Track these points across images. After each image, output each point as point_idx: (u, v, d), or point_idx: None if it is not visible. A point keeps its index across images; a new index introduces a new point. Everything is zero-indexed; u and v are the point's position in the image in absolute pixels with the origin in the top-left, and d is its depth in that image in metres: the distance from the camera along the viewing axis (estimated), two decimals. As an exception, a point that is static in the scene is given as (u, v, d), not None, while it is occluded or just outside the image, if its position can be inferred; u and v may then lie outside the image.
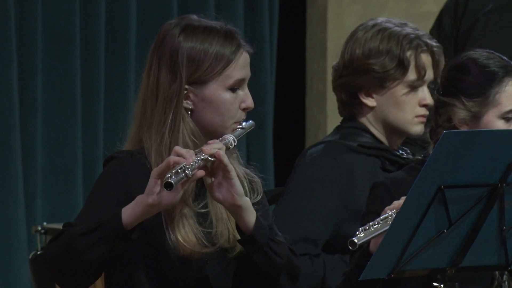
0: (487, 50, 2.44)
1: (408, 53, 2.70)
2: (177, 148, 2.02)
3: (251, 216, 2.06)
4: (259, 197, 2.18)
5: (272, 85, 5.27)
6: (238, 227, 2.08)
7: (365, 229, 2.15)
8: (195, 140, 2.11)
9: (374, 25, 2.77)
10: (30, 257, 4.36)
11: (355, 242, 2.11)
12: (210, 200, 2.13)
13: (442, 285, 2.14)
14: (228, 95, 2.14)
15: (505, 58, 2.42)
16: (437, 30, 3.65)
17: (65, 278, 2.07)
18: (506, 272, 2.28)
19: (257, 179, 2.20)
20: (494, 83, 2.36)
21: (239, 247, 2.12)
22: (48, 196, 4.89)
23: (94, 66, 4.95)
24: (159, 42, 2.18)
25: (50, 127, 4.98)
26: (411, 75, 2.71)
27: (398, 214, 2.11)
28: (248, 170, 2.20)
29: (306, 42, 5.54)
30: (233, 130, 2.13)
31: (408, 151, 2.86)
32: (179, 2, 5.11)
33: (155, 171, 1.99)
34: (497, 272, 2.31)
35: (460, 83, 2.39)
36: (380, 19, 2.82)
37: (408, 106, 2.73)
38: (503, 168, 2.08)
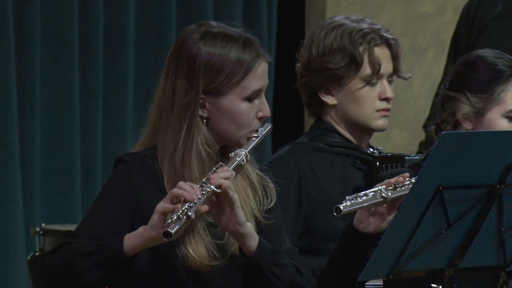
0: (496, 51, 2.46)
1: (361, 49, 2.68)
2: (181, 184, 1.99)
3: (253, 242, 2.05)
4: (272, 204, 2.16)
5: (270, 86, 5.27)
6: (241, 250, 2.07)
7: (351, 199, 2.15)
8: (208, 149, 2.09)
9: (330, 23, 2.76)
10: (28, 258, 4.36)
11: (340, 209, 2.11)
12: None
13: (440, 286, 2.14)
14: (244, 106, 2.11)
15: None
16: (454, 42, 3.66)
17: None
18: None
19: (271, 184, 2.18)
20: (500, 81, 2.38)
21: None
22: (46, 197, 4.88)
23: (92, 67, 4.95)
24: (177, 47, 2.14)
25: (48, 128, 4.98)
26: (366, 70, 2.70)
27: (396, 214, 2.11)
28: (262, 174, 2.18)
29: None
30: (248, 139, 2.12)
31: (381, 149, 2.86)
32: (177, 3, 5.11)
33: (159, 207, 1.97)
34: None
35: (467, 79, 2.40)
36: (338, 17, 2.82)
37: (367, 100, 2.71)
38: (502, 169, 2.08)
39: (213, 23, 2.17)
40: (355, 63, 2.68)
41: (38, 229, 4.19)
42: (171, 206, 1.96)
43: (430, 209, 2.10)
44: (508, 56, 2.43)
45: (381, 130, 2.78)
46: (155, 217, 1.97)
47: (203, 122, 2.10)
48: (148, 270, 2.08)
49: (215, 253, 2.06)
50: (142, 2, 5.04)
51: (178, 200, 1.97)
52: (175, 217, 1.94)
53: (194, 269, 2.05)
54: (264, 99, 2.16)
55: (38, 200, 4.82)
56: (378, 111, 2.73)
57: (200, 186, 2.00)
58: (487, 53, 2.44)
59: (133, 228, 2.06)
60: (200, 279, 2.08)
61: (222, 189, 1.99)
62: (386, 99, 2.73)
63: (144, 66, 5.09)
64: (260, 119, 2.15)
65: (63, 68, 4.86)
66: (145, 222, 2.04)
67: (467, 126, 2.41)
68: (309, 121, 5.65)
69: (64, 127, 5.01)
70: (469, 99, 2.38)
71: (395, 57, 2.75)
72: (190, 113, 2.08)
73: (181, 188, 1.98)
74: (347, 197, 2.16)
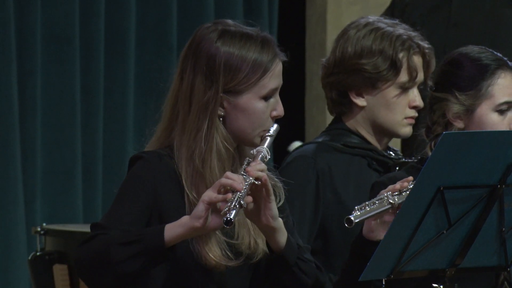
0: (479, 46, 2.45)
1: (401, 55, 2.69)
2: (229, 174, 1.99)
3: (282, 237, 2.06)
4: (281, 203, 2.16)
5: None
6: (268, 245, 2.08)
7: (361, 208, 2.15)
8: (228, 147, 2.10)
9: (366, 24, 2.75)
10: (29, 258, 4.36)
11: (351, 219, 2.11)
12: None
13: (441, 286, 2.14)
14: (261, 105, 2.12)
15: (497, 53, 2.44)
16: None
17: (96, 284, 2.07)
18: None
19: (279, 184, 2.18)
20: (486, 76, 2.37)
21: (260, 253, 2.11)
22: (47, 197, 4.88)
23: (94, 66, 4.95)
24: (194, 46, 2.14)
25: (49, 128, 4.98)
26: (403, 76, 2.70)
27: (398, 214, 2.11)
28: (270, 174, 2.16)
29: (305, 42, 5.55)
30: (262, 138, 2.13)
31: (398, 151, 2.86)
32: (179, 2, 5.12)
33: (207, 197, 1.96)
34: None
35: (453, 77, 2.40)
36: (371, 18, 2.81)
37: (399, 107, 2.72)
38: (503, 169, 2.08)
39: (230, 21, 2.17)
40: (394, 68, 2.67)
41: (39, 229, 4.19)
42: (220, 196, 1.96)
43: (431, 209, 2.09)
44: (491, 50, 2.43)
45: (405, 137, 2.80)
46: (200, 207, 1.96)
47: (220, 120, 2.11)
48: (162, 267, 2.07)
49: (228, 252, 2.07)
50: (143, 1, 5.04)
51: (226, 190, 1.97)
52: (232, 205, 1.93)
53: (208, 268, 2.05)
54: (278, 98, 2.17)
55: (39, 200, 4.82)
56: (406, 118, 2.74)
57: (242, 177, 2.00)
58: (470, 49, 2.44)
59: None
60: (212, 279, 2.08)
61: (262, 181, 2.00)
62: (415, 107, 2.74)
63: (145, 66, 5.09)
64: (273, 118, 2.16)
65: (64, 68, 4.87)
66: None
67: (459, 124, 2.41)
68: (309, 123, 5.65)
69: (65, 126, 5.01)
70: (457, 97, 2.37)
71: (427, 66, 2.75)
72: (210, 111, 2.09)
73: (229, 178, 1.98)
74: (356, 207, 2.16)
